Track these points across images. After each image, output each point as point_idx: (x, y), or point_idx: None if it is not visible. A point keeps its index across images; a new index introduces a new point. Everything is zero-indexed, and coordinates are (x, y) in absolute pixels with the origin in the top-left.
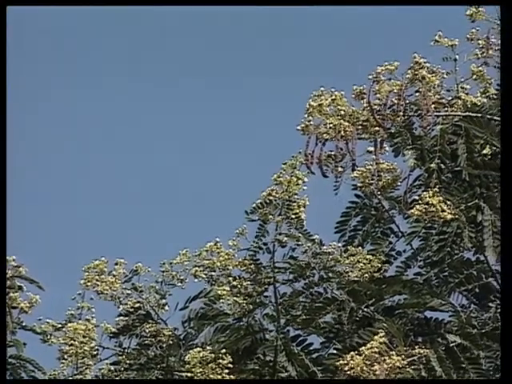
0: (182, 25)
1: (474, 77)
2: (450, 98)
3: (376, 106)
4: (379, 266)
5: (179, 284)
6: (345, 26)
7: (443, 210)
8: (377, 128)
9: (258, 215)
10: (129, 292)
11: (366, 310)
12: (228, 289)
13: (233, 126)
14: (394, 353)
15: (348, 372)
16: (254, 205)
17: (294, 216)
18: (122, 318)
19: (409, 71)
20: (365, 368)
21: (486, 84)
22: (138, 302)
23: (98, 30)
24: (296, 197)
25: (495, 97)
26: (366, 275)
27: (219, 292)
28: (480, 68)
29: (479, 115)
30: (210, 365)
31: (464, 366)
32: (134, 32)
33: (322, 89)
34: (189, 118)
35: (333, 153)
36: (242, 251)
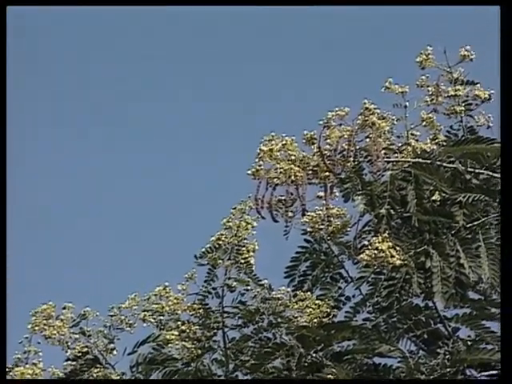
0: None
1: (424, 123)
2: (400, 145)
3: (326, 152)
4: (328, 311)
5: (128, 328)
6: (294, 70)
7: (392, 256)
8: (327, 173)
9: (207, 260)
10: (77, 336)
11: (314, 355)
12: (177, 333)
13: (182, 170)
14: None
15: None
16: (203, 249)
17: (243, 261)
18: (69, 362)
19: (359, 117)
20: None
21: (436, 131)
22: (86, 346)
23: (100, 30)
24: (245, 241)
25: (444, 143)
26: (315, 320)
27: (168, 337)
28: (429, 115)
29: (428, 162)
30: None
31: None
32: (133, 32)
33: (272, 134)
34: (138, 156)
35: (283, 197)
36: (191, 296)
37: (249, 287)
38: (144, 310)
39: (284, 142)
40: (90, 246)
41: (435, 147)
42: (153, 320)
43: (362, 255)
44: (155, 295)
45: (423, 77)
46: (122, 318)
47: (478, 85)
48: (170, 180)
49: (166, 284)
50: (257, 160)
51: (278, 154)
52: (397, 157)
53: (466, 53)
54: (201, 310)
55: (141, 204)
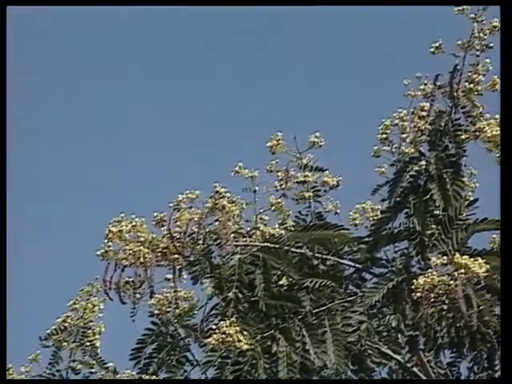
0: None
1: (273, 208)
2: (249, 229)
3: (176, 234)
4: None
5: None
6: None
7: (239, 340)
8: (176, 256)
9: (52, 342)
10: None
11: None
12: None
13: (30, 249)
14: None
15: None
16: (49, 331)
17: (88, 343)
18: None
19: (209, 200)
20: None
21: (284, 215)
22: None
23: (99, 31)
24: (92, 323)
25: (293, 228)
26: None
27: None
28: (278, 200)
29: (277, 246)
30: None
31: None
32: (131, 32)
33: (122, 215)
34: None
35: (131, 279)
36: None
37: (93, 370)
38: None
39: (133, 224)
40: None
41: (284, 232)
42: None
43: (209, 339)
44: None
45: (273, 162)
46: None
47: (327, 171)
48: (16, 258)
49: (10, 366)
50: (106, 241)
51: (127, 235)
52: (245, 241)
53: (315, 139)
54: None
55: None
